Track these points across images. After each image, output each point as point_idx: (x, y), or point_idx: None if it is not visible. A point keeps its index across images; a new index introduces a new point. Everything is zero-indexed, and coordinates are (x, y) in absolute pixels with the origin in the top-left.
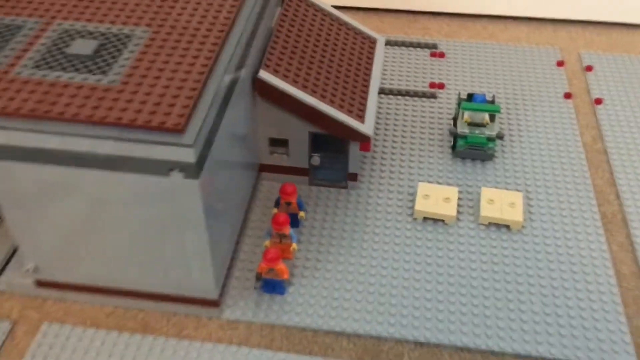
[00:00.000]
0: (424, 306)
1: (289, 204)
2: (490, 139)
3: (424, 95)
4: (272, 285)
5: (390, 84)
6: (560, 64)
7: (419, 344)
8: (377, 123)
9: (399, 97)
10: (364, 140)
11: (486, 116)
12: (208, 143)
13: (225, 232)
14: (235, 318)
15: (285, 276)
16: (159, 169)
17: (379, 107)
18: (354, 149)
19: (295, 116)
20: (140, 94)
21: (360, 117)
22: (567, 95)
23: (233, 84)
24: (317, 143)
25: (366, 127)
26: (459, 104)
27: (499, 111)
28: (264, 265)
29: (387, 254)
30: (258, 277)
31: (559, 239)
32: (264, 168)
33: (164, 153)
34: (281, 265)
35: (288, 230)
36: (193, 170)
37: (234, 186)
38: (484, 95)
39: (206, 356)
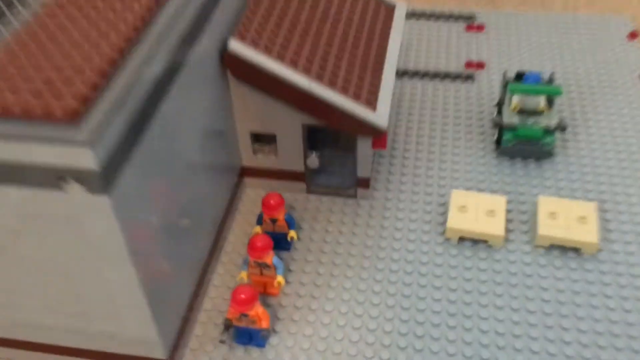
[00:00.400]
0: None
1: (274, 220)
2: (548, 131)
3: (458, 77)
4: (247, 335)
5: (417, 64)
6: (633, 35)
7: None
8: (398, 113)
9: (428, 79)
10: (376, 135)
11: (542, 101)
12: (127, 141)
13: (180, 264)
14: None
15: (264, 324)
16: (46, 179)
17: (401, 93)
18: (363, 146)
19: (282, 103)
20: (25, 68)
21: (371, 105)
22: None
23: (180, 57)
24: (314, 139)
25: (378, 117)
26: (505, 86)
27: (560, 93)
28: (233, 310)
29: (410, 289)
30: (227, 325)
31: None
32: (246, 172)
33: (49, 155)
34: (257, 309)
35: (270, 258)
36: (98, 182)
37: (193, 199)
38: (539, 73)
39: None
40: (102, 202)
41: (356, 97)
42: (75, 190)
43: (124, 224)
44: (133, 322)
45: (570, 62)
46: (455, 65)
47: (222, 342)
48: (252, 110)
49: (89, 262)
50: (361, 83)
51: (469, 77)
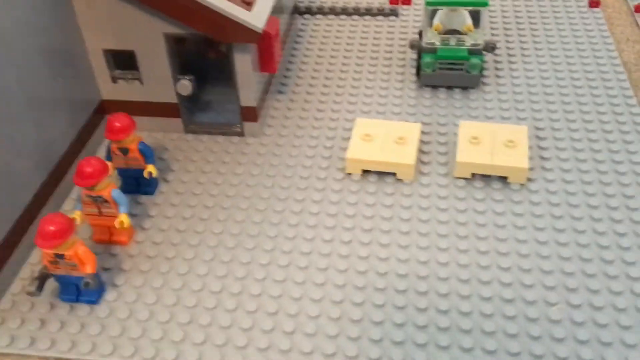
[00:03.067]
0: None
1: (124, 151)
2: (473, 52)
3: (380, 13)
4: (73, 287)
5: (336, 1)
6: None
7: None
8: (307, 49)
9: (346, 16)
10: (250, 40)
11: (467, 19)
12: None
13: None
14: None
15: (89, 269)
16: None
17: (314, 30)
18: (241, 61)
19: (137, 6)
20: None
21: (248, 4)
22: (594, 3)
23: None
24: (185, 57)
25: (253, 17)
26: (425, 5)
27: (485, 4)
28: (44, 249)
29: (294, 231)
30: (42, 273)
31: (588, 195)
32: (108, 107)
33: None
34: (76, 248)
35: (108, 190)
36: None
37: (10, 127)
38: None
39: None
40: None
41: None
42: None
43: None
44: None
45: None
46: (379, 1)
47: (30, 294)
48: (102, 21)
49: None
50: None
51: (392, 13)
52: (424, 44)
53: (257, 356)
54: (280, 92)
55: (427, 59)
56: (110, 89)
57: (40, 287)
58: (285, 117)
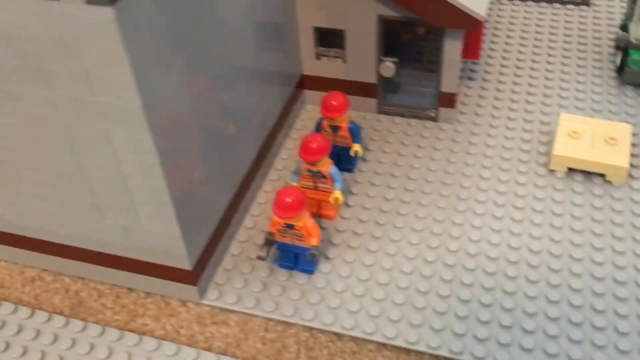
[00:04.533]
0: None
1: (335, 128)
2: None
3: (570, 1)
4: (292, 256)
5: None
6: None
7: None
8: (496, 35)
9: (532, 3)
10: (470, 27)
11: None
12: None
13: (213, 168)
14: (225, 306)
15: (314, 241)
16: None
17: (499, 17)
18: (451, 48)
19: None
20: None
21: None
22: None
23: None
24: (391, 40)
25: (476, 4)
26: (633, 0)
27: None
28: (277, 219)
29: (500, 223)
30: (268, 239)
31: None
32: (307, 83)
33: None
34: (306, 220)
35: (327, 166)
36: None
37: (235, 100)
38: None
39: None
40: (105, 18)
41: None
42: None
43: (133, 56)
44: (153, 219)
45: None
46: None
47: (260, 258)
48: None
49: (96, 117)
50: None
51: (583, 3)
52: (633, 40)
53: (454, 341)
54: (470, 79)
55: (634, 55)
56: (312, 65)
57: (267, 253)
58: (477, 105)
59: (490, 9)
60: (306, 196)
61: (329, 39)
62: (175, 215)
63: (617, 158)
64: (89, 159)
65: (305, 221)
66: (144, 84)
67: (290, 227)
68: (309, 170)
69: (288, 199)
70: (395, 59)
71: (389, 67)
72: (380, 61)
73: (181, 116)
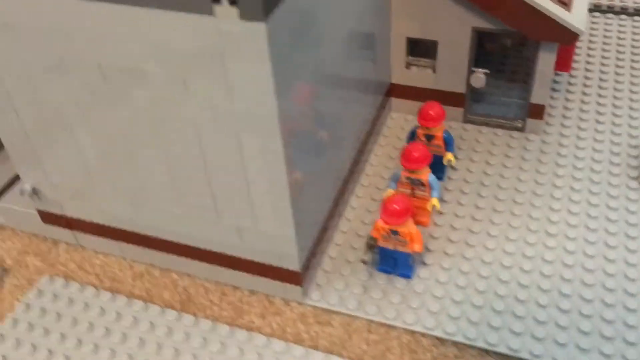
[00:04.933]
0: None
1: (430, 137)
2: None
3: None
4: (392, 261)
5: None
6: None
7: None
8: (590, 47)
9: (628, 16)
10: (568, 41)
11: None
12: None
13: (319, 175)
14: (328, 306)
15: (417, 247)
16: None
17: (595, 29)
18: (545, 60)
19: None
20: None
21: (565, 4)
22: None
23: None
24: (482, 51)
25: (574, 19)
26: None
27: None
28: (382, 224)
29: (595, 235)
30: (371, 244)
31: None
32: (395, 91)
33: None
34: (410, 227)
35: (426, 174)
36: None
37: (337, 106)
38: None
39: None
40: (257, 32)
41: None
42: (224, 12)
43: (275, 61)
44: (271, 220)
45: None
46: None
47: (364, 262)
48: (412, 8)
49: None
50: None
51: None
52: None
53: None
54: (555, 90)
55: None
56: (401, 74)
57: (370, 257)
58: (563, 116)
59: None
60: (412, 204)
61: (419, 49)
62: (292, 218)
63: None
64: (216, 162)
65: (410, 228)
66: (281, 93)
67: (395, 232)
68: (408, 178)
69: (396, 206)
70: (486, 70)
71: (480, 77)
72: (471, 72)
73: (300, 123)
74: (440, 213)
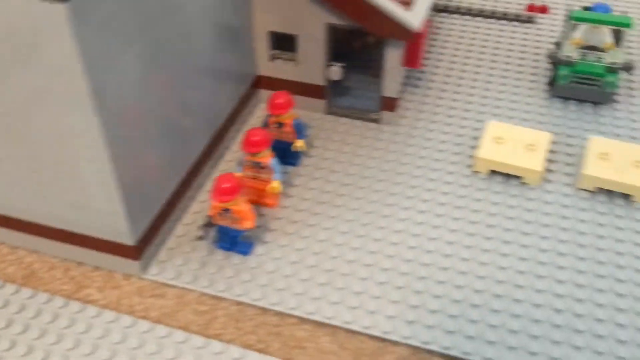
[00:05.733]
0: (467, 311)
1: (280, 125)
2: (611, 70)
3: (517, 19)
4: (230, 238)
5: (472, 3)
6: None
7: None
8: (442, 47)
9: (482, 19)
10: (405, 37)
11: (608, 37)
12: None
13: (160, 153)
14: (165, 280)
15: (248, 224)
16: None
17: (449, 30)
18: (391, 56)
19: None
20: None
21: (407, 3)
22: None
23: None
24: (339, 46)
25: (412, 17)
26: (569, 19)
27: (628, 25)
28: (215, 202)
29: (423, 216)
30: (208, 222)
31: None
32: (262, 82)
33: None
34: (242, 205)
35: (267, 157)
36: None
37: (178, 92)
38: (609, 6)
39: (99, 332)
40: (57, 13)
41: None
42: None
43: (83, 46)
44: (99, 195)
45: None
46: (516, 7)
47: (199, 238)
48: (273, 6)
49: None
50: None
51: (528, 20)
52: (562, 57)
53: (385, 323)
54: (416, 86)
55: (563, 71)
56: (267, 66)
57: (207, 233)
58: (418, 110)
59: (441, 22)
60: (241, 183)
61: (284, 43)
62: (121, 196)
63: (533, 162)
64: (44, 141)
65: (241, 206)
66: (94, 73)
67: (227, 210)
68: (250, 161)
69: (224, 185)
70: (342, 64)
71: (336, 71)
72: (328, 65)
73: (133, 104)
74: (288, 196)
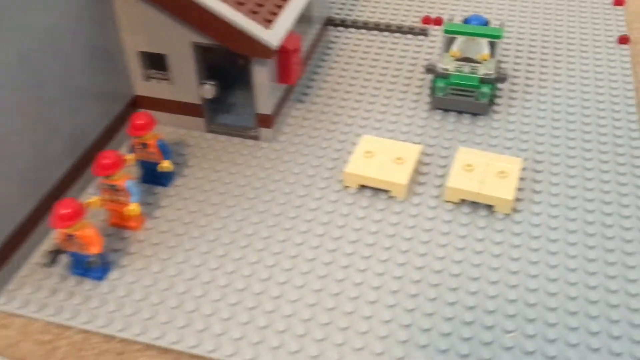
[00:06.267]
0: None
1: (144, 145)
2: (485, 81)
3: (410, 31)
4: (82, 264)
5: (370, 17)
6: (619, 1)
7: None
8: (334, 61)
9: (379, 32)
10: (266, 55)
11: (485, 48)
12: None
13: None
14: (12, 310)
15: (95, 248)
16: None
17: (344, 44)
18: (258, 73)
19: (169, 15)
20: None
21: (268, 22)
22: (623, 40)
23: None
24: (212, 65)
25: (270, 36)
26: (445, 32)
27: (499, 36)
28: (58, 227)
29: (286, 234)
30: (56, 249)
31: (569, 232)
32: (141, 103)
33: None
34: (86, 230)
35: (122, 180)
36: None
37: (40, 107)
38: (485, 19)
39: None
40: None
41: (253, 12)
42: None
43: None
44: None
45: (545, 23)
46: (412, 20)
47: (44, 265)
48: (138, 25)
49: None
50: (263, 1)
51: (422, 33)
52: (438, 69)
53: (230, 347)
54: (300, 101)
55: (439, 83)
56: (143, 86)
57: (52, 260)
58: (300, 126)
59: (337, 36)
60: (83, 207)
61: (157, 63)
62: None
63: (399, 176)
64: None
65: (85, 231)
66: None
67: (71, 236)
68: (104, 184)
69: (63, 211)
70: (214, 82)
71: (208, 89)
72: (201, 83)
73: None
74: (154, 218)
